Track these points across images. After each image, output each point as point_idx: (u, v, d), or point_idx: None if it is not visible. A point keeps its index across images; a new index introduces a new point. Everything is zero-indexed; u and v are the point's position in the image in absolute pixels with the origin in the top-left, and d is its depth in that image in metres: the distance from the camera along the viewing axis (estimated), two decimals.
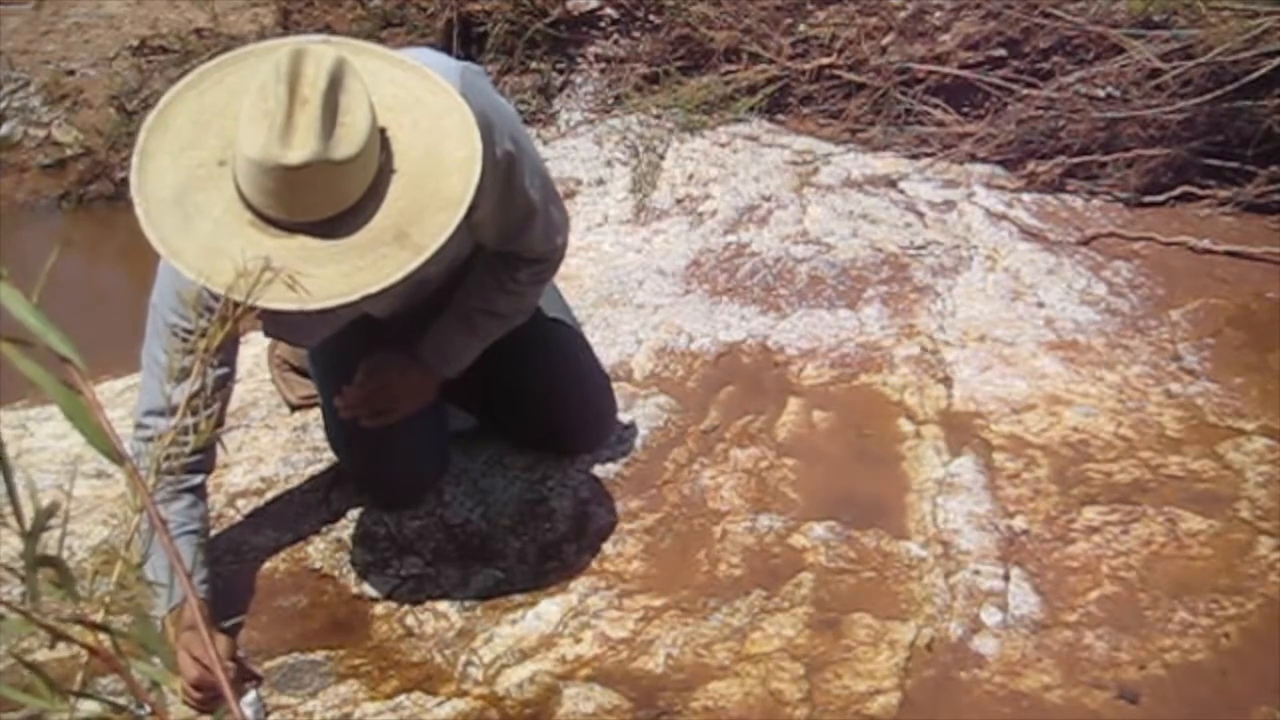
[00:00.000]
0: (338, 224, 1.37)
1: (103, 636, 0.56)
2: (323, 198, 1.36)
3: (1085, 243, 2.74)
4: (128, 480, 0.58)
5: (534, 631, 1.70)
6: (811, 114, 3.31)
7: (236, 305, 0.84)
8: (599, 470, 2.03)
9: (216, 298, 1.34)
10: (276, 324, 1.70)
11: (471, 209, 1.43)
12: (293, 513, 1.96)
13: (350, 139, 1.34)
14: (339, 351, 1.85)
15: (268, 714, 1.59)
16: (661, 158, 3.11)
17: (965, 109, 3.19)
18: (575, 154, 3.11)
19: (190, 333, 1.57)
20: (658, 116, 3.28)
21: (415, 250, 1.38)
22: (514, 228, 1.70)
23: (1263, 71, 2.79)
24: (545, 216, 1.73)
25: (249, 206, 1.37)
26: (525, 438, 2.05)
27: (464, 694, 1.60)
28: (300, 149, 1.32)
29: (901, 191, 2.97)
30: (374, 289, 1.36)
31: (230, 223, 1.36)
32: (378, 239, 1.38)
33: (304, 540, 1.89)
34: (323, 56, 1.36)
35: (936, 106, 3.17)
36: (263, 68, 1.39)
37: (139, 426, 1.66)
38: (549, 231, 1.76)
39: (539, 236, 1.74)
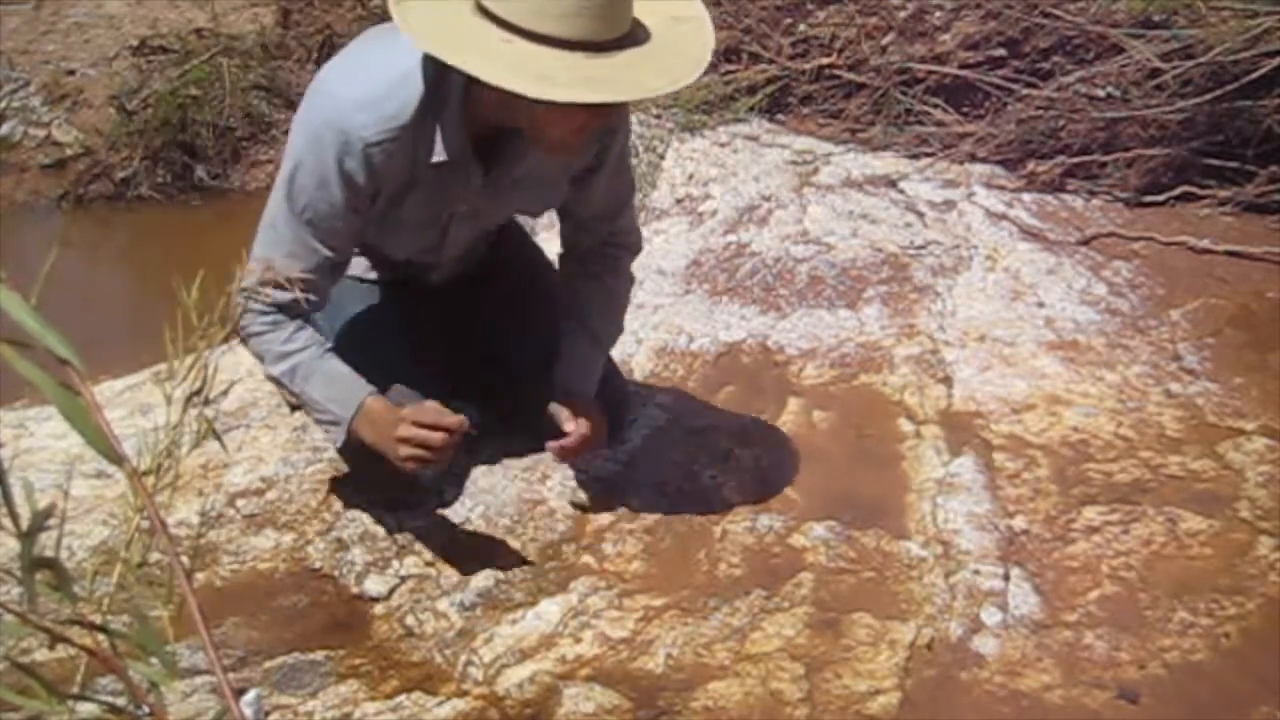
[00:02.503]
0: (622, 41, 1.50)
1: (101, 638, 0.55)
2: (623, 10, 1.49)
3: (1085, 243, 2.74)
4: (128, 480, 0.58)
5: (534, 631, 1.70)
6: (811, 114, 3.32)
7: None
8: (599, 470, 2.03)
9: (372, 170, 1.60)
10: (401, 222, 1.77)
11: (599, 163, 1.76)
12: (293, 512, 1.96)
13: None
14: (385, 335, 1.93)
15: (268, 714, 1.59)
16: (661, 157, 3.12)
17: (965, 109, 3.20)
18: None
19: (331, 209, 1.64)
20: (658, 116, 3.28)
21: (695, 62, 1.53)
22: (617, 201, 1.89)
23: (1263, 71, 2.79)
24: (633, 203, 1.95)
25: (532, 37, 1.46)
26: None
27: (464, 694, 1.60)
28: None
29: (901, 191, 2.97)
30: (688, 80, 1.52)
31: (535, 50, 1.46)
32: (658, 51, 1.52)
33: (304, 540, 1.89)
34: None
35: (936, 106, 3.17)
36: None
37: (248, 290, 1.64)
38: (635, 219, 1.95)
39: (630, 219, 1.94)
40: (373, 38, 1.73)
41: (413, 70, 1.60)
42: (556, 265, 2.02)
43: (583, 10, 1.44)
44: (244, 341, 1.73)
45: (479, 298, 2.03)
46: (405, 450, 1.66)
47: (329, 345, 1.75)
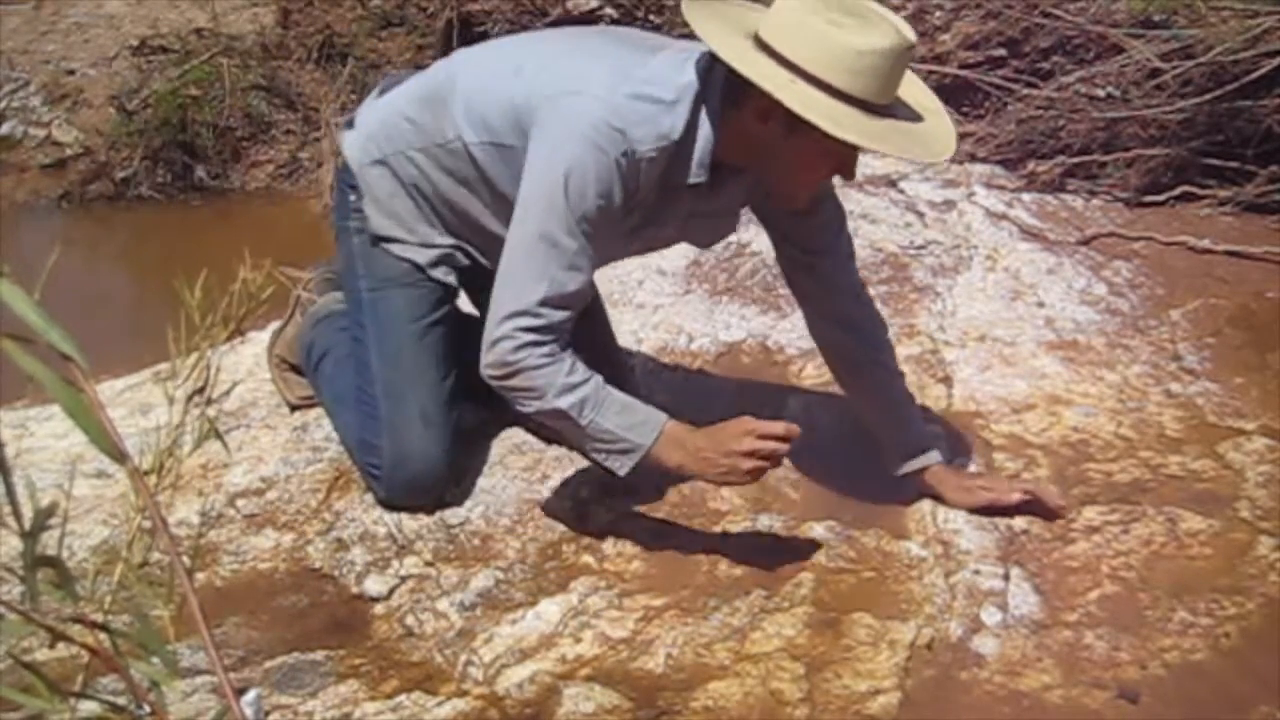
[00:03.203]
0: (887, 110, 1.57)
1: (102, 637, 0.55)
2: (899, 77, 1.58)
3: (1085, 243, 2.74)
4: (129, 479, 0.58)
5: (534, 631, 1.70)
6: None
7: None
8: (599, 470, 2.03)
9: (632, 185, 1.61)
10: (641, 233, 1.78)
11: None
12: (293, 512, 1.96)
13: (905, 29, 1.55)
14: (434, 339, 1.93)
15: (267, 714, 1.59)
16: None
17: (965, 109, 3.20)
18: None
19: (604, 215, 1.61)
20: None
21: (950, 139, 1.63)
22: (839, 218, 1.92)
23: (1263, 71, 2.79)
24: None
25: (815, 82, 1.52)
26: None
27: (464, 694, 1.60)
28: (906, 32, 1.54)
29: (901, 191, 2.97)
30: (946, 156, 1.63)
31: (817, 94, 1.52)
32: (914, 127, 1.60)
33: (304, 540, 1.89)
34: None
35: None
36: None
37: (522, 314, 1.61)
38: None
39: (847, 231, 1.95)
40: (623, 43, 1.72)
41: (686, 90, 1.61)
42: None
43: (873, 71, 1.52)
44: (507, 378, 1.64)
45: None
46: (748, 464, 1.65)
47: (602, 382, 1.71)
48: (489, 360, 1.65)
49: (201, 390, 0.75)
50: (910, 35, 1.55)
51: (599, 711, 1.55)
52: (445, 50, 4.01)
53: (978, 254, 2.69)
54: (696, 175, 1.65)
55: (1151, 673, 1.58)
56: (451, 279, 1.94)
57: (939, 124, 1.64)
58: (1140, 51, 2.96)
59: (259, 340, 2.38)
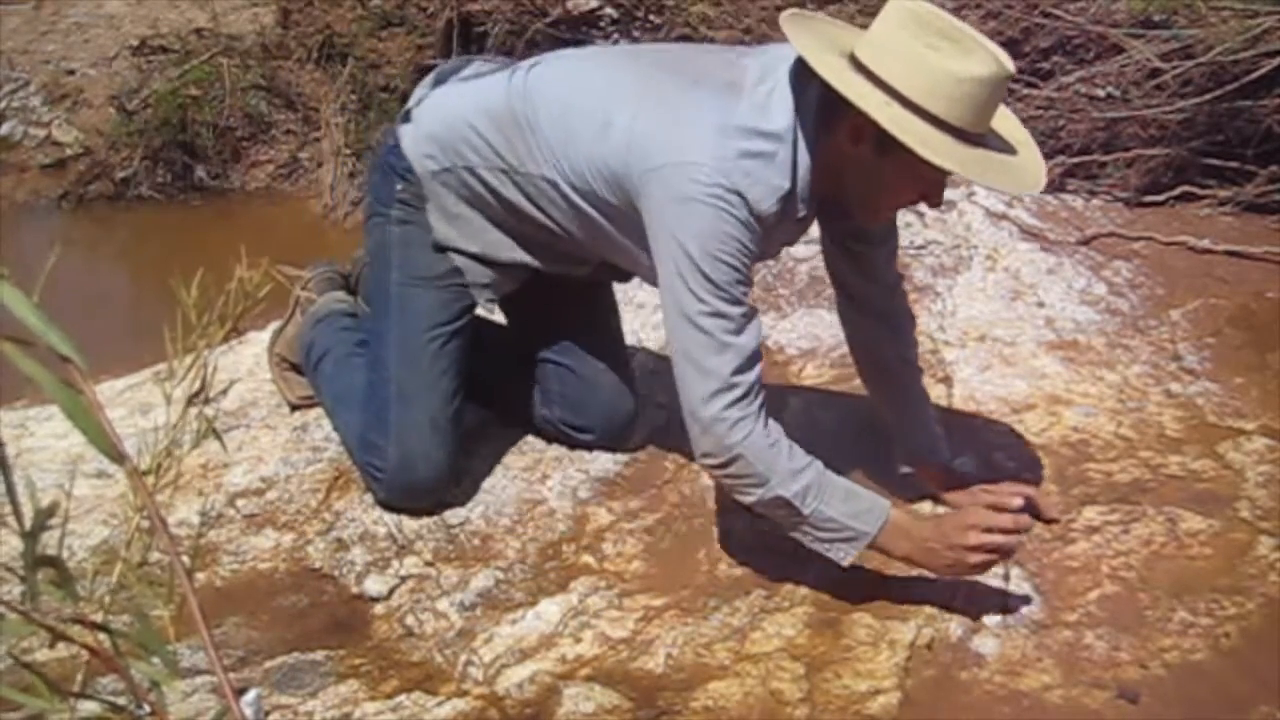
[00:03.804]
0: (981, 140, 1.55)
1: (102, 637, 0.55)
2: (995, 106, 1.56)
3: (1085, 242, 2.74)
4: (128, 479, 0.58)
5: (534, 631, 1.70)
6: None
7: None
8: (599, 470, 2.03)
9: (760, 238, 1.58)
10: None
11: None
12: (293, 512, 1.96)
13: (1004, 57, 1.53)
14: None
15: (267, 714, 1.59)
16: None
17: None
18: None
19: (746, 269, 1.58)
20: None
21: (1040, 171, 1.61)
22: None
23: (1263, 71, 2.79)
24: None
25: (911, 107, 1.50)
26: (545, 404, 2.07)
27: (464, 694, 1.60)
28: (1005, 61, 1.51)
29: None
30: (1037, 189, 1.63)
31: (912, 119, 1.50)
32: (1005, 159, 1.58)
33: (304, 540, 1.89)
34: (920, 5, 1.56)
35: None
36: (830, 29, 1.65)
37: (721, 392, 1.57)
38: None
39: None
40: (703, 79, 1.64)
41: (786, 131, 1.57)
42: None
43: (969, 99, 1.50)
44: (728, 464, 1.59)
45: (593, 297, 2.07)
46: (975, 558, 1.61)
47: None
48: (706, 449, 1.60)
49: (200, 391, 0.75)
50: (1009, 64, 1.52)
51: (599, 711, 1.55)
52: (445, 50, 4.01)
53: (978, 254, 2.70)
54: (803, 209, 1.63)
55: (1151, 673, 1.58)
56: (493, 305, 1.94)
57: (1030, 156, 1.62)
58: (1140, 51, 2.96)
59: (259, 340, 2.38)
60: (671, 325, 1.62)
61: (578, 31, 3.75)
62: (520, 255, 1.87)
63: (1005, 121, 1.62)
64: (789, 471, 1.59)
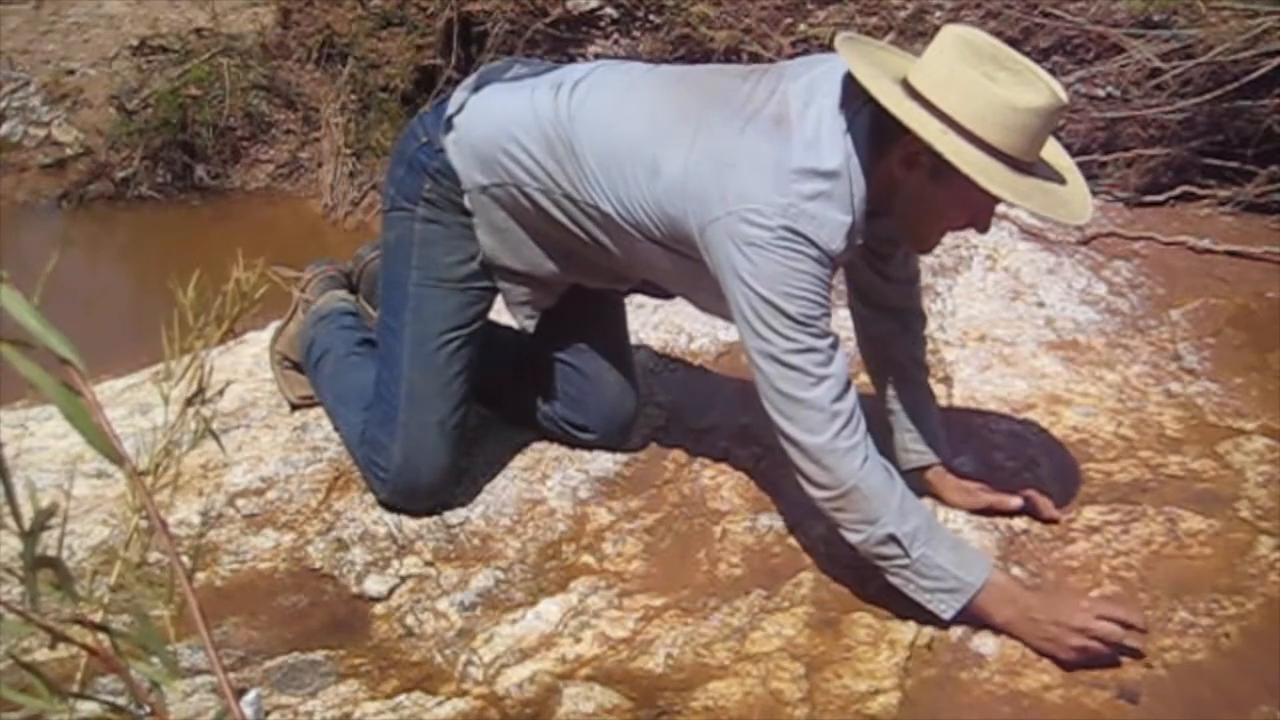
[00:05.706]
0: (1031, 168, 1.56)
1: (102, 637, 0.55)
2: (1047, 136, 1.57)
3: (1085, 242, 2.74)
4: (128, 480, 0.58)
5: (534, 631, 1.70)
6: None
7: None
8: (599, 470, 2.03)
9: (832, 271, 1.58)
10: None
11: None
12: (293, 512, 1.96)
13: (1058, 87, 1.53)
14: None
15: (267, 714, 1.59)
16: None
17: None
18: None
19: (824, 299, 1.58)
20: None
21: (1087, 203, 1.62)
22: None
23: (1263, 71, 2.79)
24: None
25: (966, 135, 1.51)
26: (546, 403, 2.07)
27: (464, 694, 1.60)
28: (1059, 92, 1.51)
29: None
30: (1084, 220, 1.62)
31: (967, 147, 1.50)
32: (1055, 187, 1.59)
33: (304, 540, 1.89)
34: (975, 34, 1.57)
35: None
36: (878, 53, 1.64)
37: (828, 422, 1.57)
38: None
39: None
40: (755, 115, 1.61)
41: (844, 165, 1.56)
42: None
43: (1024, 129, 1.50)
44: (842, 497, 1.58)
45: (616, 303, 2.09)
46: (1078, 640, 1.56)
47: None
48: (821, 481, 1.59)
49: (199, 392, 0.75)
50: (1062, 95, 1.52)
51: (599, 711, 1.55)
52: (445, 50, 4.01)
53: (977, 254, 2.70)
54: (862, 238, 1.63)
55: (1151, 673, 1.58)
56: (530, 324, 1.93)
57: (1077, 184, 1.62)
58: (1140, 51, 2.96)
59: (258, 341, 2.38)
60: (759, 367, 1.60)
61: (578, 31, 3.75)
62: (566, 273, 1.88)
63: (1049, 147, 1.62)
64: (901, 511, 1.58)
